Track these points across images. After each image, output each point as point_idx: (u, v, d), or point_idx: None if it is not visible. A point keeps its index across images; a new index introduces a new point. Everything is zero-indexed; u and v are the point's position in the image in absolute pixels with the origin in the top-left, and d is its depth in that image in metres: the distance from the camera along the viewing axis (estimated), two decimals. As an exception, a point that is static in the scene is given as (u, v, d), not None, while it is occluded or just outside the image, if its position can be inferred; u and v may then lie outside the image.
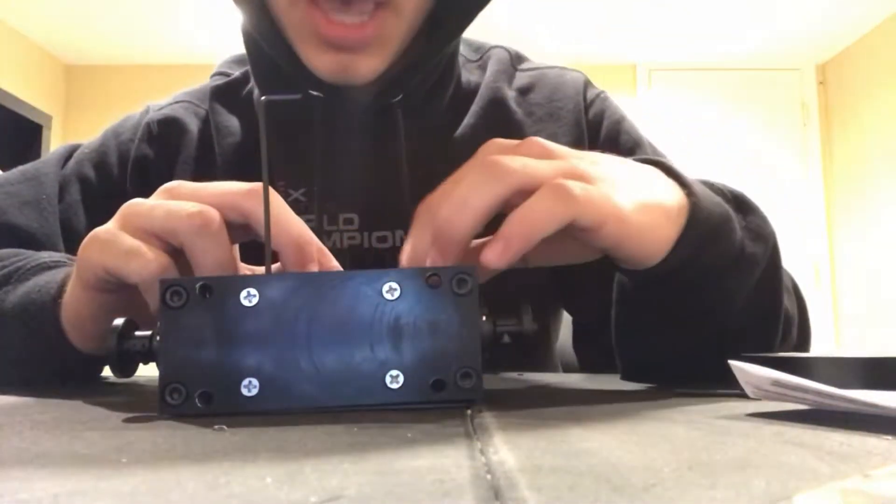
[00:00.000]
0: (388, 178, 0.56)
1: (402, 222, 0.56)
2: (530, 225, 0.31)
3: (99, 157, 0.63)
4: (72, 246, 0.59)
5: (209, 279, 0.29)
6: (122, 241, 0.35)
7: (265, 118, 0.30)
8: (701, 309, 0.42)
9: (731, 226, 0.40)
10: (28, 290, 0.43)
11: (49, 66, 3.74)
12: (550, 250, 0.36)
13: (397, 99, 0.56)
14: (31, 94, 3.56)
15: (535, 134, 0.62)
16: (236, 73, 0.65)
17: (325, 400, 0.29)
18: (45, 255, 0.49)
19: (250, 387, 0.28)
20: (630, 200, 0.34)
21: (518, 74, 0.66)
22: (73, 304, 0.40)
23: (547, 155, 0.35)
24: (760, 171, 3.82)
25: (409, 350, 0.29)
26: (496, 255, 0.30)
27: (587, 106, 0.64)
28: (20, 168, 0.63)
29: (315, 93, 0.54)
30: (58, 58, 3.79)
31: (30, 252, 0.51)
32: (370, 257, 0.57)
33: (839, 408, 0.25)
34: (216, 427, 0.25)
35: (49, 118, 3.67)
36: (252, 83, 0.62)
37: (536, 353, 0.65)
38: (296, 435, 0.23)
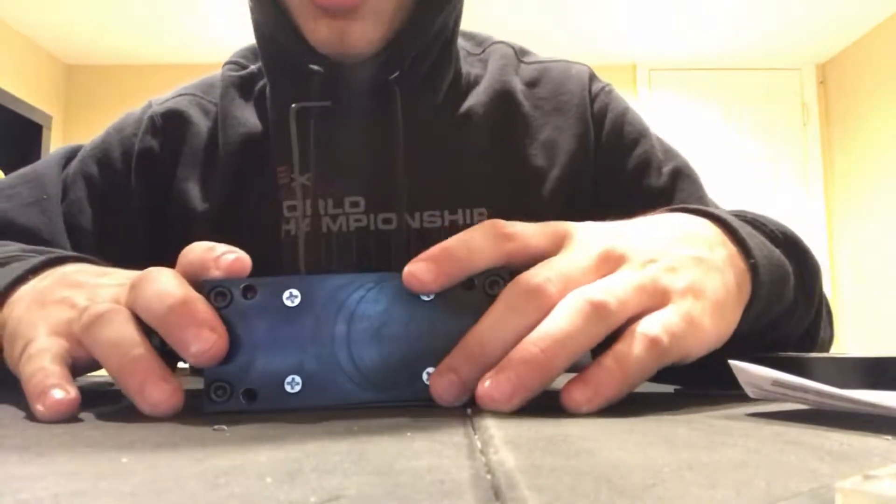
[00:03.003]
0: (389, 161, 0.57)
1: (403, 204, 0.58)
2: (623, 376, 0.29)
3: (102, 154, 0.63)
4: (77, 243, 0.59)
5: (252, 280, 0.30)
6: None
7: (295, 124, 0.29)
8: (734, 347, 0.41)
9: (788, 285, 0.39)
10: None
11: (50, 66, 3.74)
12: None
13: (394, 76, 0.57)
14: (32, 94, 3.55)
15: (542, 127, 0.63)
16: (252, 66, 0.65)
17: (364, 396, 0.30)
18: (12, 249, 0.48)
19: (293, 384, 0.29)
20: (709, 314, 0.32)
21: (523, 67, 0.67)
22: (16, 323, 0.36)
23: (617, 263, 0.32)
24: (761, 171, 3.82)
25: (443, 348, 0.30)
26: (585, 399, 0.28)
27: (592, 99, 0.65)
28: (19, 171, 0.64)
29: (316, 67, 0.55)
30: (58, 58, 3.79)
31: None
32: (375, 239, 0.58)
33: (839, 408, 0.25)
34: (216, 427, 0.25)
35: (49, 118, 3.67)
36: (266, 80, 0.63)
37: None
38: (296, 435, 0.23)
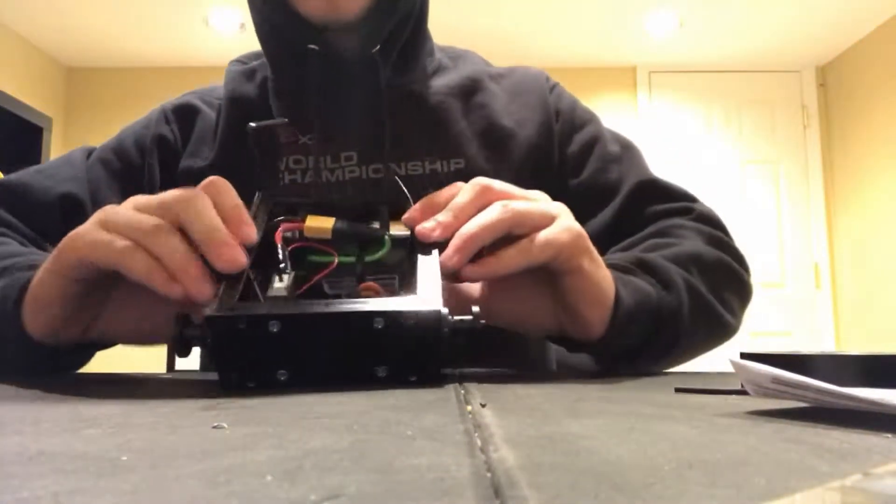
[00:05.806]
0: (375, 121, 0.68)
1: (387, 157, 0.69)
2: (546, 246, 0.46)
3: (117, 145, 0.75)
4: None
5: (248, 316, 0.39)
6: (100, 235, 0.42)
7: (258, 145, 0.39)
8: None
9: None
10: (4, 285, 0.49)
11: (50, 69, 3.74)
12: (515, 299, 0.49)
13: (376, 49, 0.66)
14: (32, 96, 3.56)
15: (509, 104, 0.75)
16: (253, 62, 0.77)
17: (333, 384, 0.39)
18: (37, 256, 0.54)
19: (282, 375, 0.40)
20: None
21: (490, 68, 0.79)
22: (40, 290, 0.45)
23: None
24: (761, 172, 3.82)
25: (390, 357, 0.40)
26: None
27: (550, 89, 0.78)
28: (54, 158, 0.77)
29: (313, 46, 0.65)
30: (58, 60, 3.79)
31: (28, 251, 0.59)
32: (368, 186, 0.69)
33: (839, 405, 0.25)
34: (215, 425, 0.25)
35: (49, 120, 3.67)
36: (265, 72, 0.74)
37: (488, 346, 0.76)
38: (296, 433, 0.23)
